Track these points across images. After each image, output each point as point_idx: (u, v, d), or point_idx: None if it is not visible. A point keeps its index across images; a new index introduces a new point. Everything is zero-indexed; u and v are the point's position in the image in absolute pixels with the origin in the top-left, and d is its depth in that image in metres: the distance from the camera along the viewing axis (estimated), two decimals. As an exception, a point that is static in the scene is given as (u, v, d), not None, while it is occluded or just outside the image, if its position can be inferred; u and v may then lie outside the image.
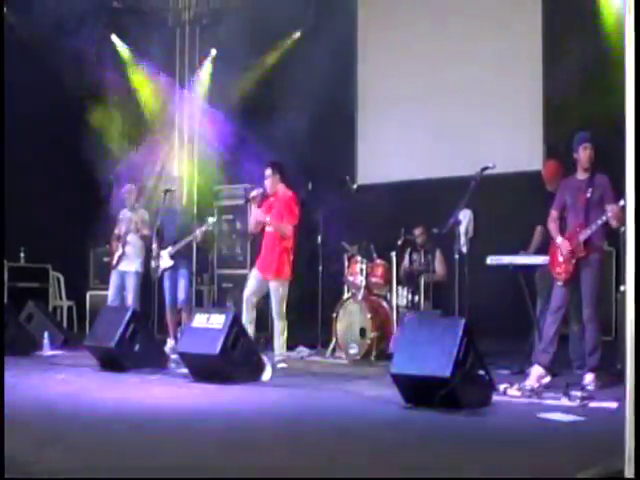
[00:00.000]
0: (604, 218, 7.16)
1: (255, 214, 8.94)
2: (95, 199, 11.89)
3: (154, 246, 10.16)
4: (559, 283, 7.42)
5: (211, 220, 9.94)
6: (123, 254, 10.43)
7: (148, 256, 10.42)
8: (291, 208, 8.81)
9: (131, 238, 10.45)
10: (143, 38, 12.92)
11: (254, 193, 9.09)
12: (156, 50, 13.14)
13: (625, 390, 4.20)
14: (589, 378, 7.19)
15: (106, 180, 12.36)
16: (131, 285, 10.39)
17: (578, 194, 7.38)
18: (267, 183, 8.99)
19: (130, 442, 5.06)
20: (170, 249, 10.04)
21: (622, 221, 6.86)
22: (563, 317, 7.42)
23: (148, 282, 10.55)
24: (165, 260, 10.06)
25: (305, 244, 10.04)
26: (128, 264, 10.43)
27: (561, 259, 7.38)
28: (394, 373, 6.32)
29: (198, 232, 9.86)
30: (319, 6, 12.47)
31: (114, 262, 10.53)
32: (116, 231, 10.64)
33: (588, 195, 7.29)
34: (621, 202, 6.82)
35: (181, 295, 10.06)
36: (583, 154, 7.37)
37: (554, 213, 7.57)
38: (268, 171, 8.96)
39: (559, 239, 7.42)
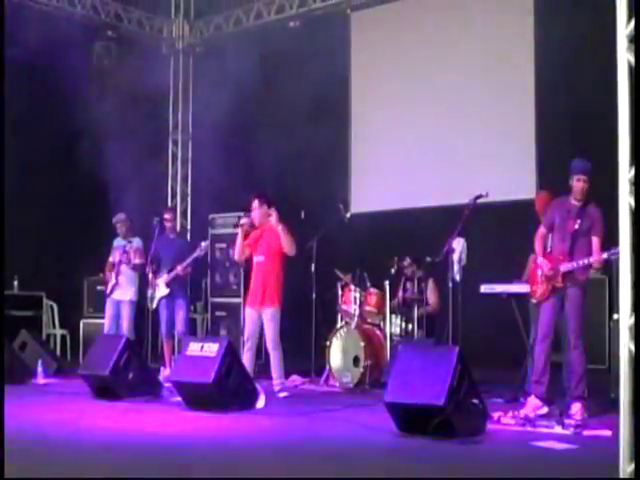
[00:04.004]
0: (588, 261, 7.17)
1: (274, 217, 8.69)
2: (89, 227, 11.87)
3: (150, 275, 10.17)
4: (533, 300, 7.53)
5: (204, 244, 10.00)
6: (116, 284, 10.46)
7: (142, 284, 10.43)
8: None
9: (124, 268, 10.47)
10: (137, 66, 12.97)
11: (244, 220, 9.08)
12: (150, 78, 13.20)
13: (619, 418, 4.22)
14: (576, 408, 7.10)
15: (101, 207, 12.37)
16: (126, 314, 10.41)
17: (568, 219, 7.31)
18: (255, 215, 8.95)
19: (123, 470, 5.04)
20: (166, 277, 10.05)
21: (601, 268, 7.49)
22: (551, 345, 7.34)
23: (142, 310, 10.55)
24: (161, 288, 10.07)
25: (299, 273, 10.04)
26: (122, 293, 10.46)
27: (539, 279, 7.40)
28: (388, 401, 6.32)
29: (197, 253, 9.95)
30: (312, 35, 12.53)
31: (108, 291, 10.56)
32: (110, 259, 10.65)
33: (577, 226, 7.24)
34: (604, 254, 7.01)
35: (179, 327, 10.07)
36: (576, 185, 7.29)
37: (542, 230, 7.51)
38: (255, 203, 8.91)
39: (540, 259, 7.42)
